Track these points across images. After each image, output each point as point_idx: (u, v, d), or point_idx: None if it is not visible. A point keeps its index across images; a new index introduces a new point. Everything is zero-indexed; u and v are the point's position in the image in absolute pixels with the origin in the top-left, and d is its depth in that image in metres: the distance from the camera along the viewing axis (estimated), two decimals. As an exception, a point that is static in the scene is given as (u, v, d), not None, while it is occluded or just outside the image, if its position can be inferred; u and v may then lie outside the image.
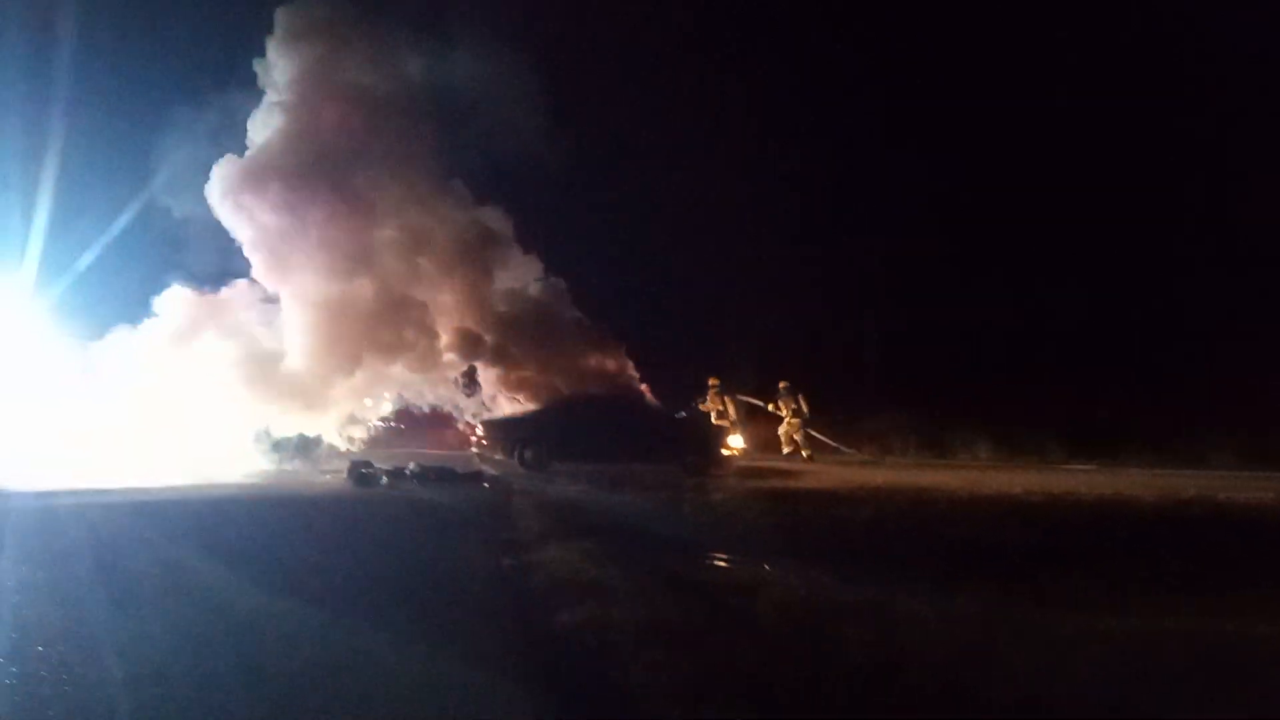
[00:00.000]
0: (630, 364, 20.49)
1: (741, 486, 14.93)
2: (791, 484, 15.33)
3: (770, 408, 21.02)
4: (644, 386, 20.44)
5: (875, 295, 28.52)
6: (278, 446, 17.87)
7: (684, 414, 19.86)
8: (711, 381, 20.78)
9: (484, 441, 18.48)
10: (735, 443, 19.27)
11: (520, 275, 20.77)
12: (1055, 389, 23.07)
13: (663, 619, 5.71)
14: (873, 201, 29.32)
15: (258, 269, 18.67)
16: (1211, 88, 24.60)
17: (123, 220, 19.60)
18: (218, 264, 19.23)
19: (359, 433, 20.21)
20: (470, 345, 19.77)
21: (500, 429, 18.46)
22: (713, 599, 6.57)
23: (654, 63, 26.41)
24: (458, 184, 20.13)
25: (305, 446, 18.30)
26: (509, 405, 20.04)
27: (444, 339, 19.78)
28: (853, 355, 28.23)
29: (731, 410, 20.47)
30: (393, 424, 26.08)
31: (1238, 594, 6.85)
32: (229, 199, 18.18)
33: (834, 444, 21.44)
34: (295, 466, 17.53)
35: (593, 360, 20.38)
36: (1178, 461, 18.37)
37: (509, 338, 19.95)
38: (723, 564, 8.12)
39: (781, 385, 20.98)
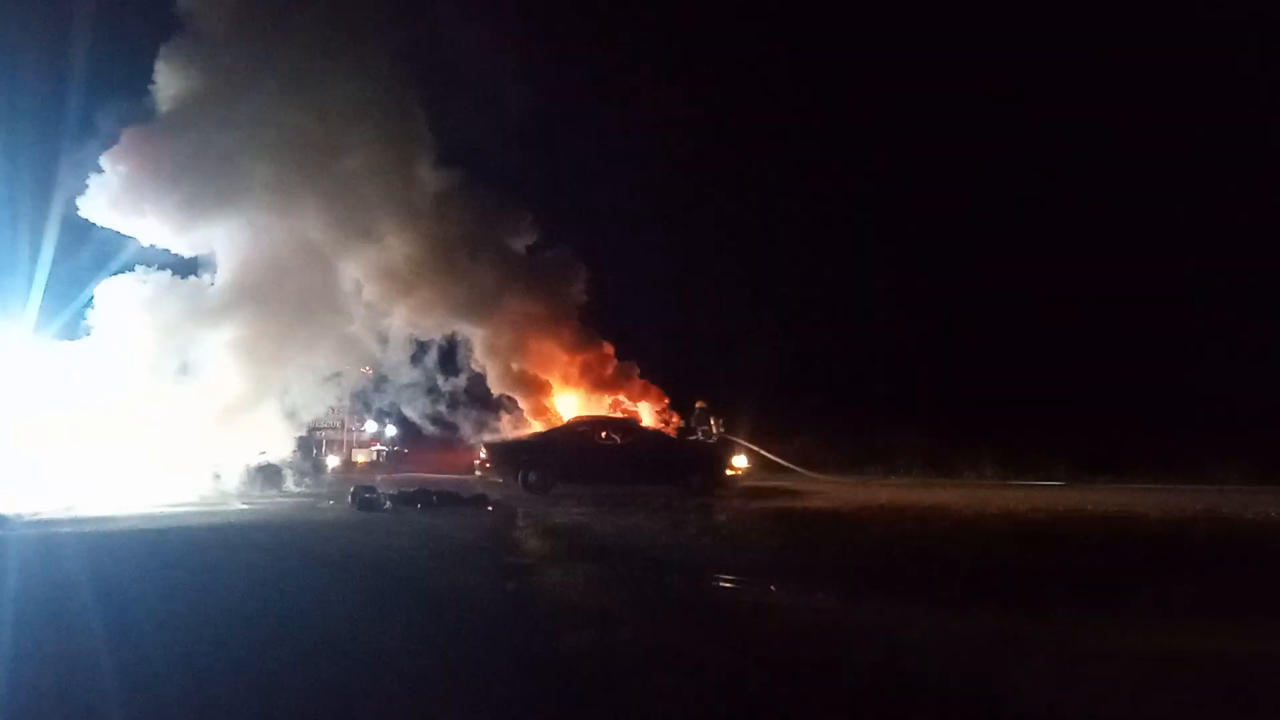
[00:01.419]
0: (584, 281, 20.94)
1: (746, 507, 14.87)
2: (796, 504, 15.28)
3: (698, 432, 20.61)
4: (650, 399, 20.46)
5: (880, 314, 28.60)
6: (240, 477, 17.60)
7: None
8: (699, 405, 20.73)
9: (488, 465, 18.45)
10: (739, 463, 19.23)
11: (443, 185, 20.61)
12: (1058, 407, 23.10)
13: (668, 642, 5.67)
14: (880, 220, 29.46)
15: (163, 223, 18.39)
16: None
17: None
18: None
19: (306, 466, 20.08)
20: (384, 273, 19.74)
21: (504, 452, 18.45)
22: (719, 621, 6.53)
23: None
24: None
25: (270, 474, 18.18)
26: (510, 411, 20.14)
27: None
28: (857, 374, 28.27)
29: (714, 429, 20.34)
30: (396, 448, 26.11)
31: (1246, 612, 6.80)
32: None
33: (790, 465, 21.41)
34: (259, 493, 17.33)
35: (551, 284, 20.59)
36: (1182, 477, 18.31)
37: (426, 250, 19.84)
38: (728, 585, 8.08)
39: (698, 405, 20.71)
